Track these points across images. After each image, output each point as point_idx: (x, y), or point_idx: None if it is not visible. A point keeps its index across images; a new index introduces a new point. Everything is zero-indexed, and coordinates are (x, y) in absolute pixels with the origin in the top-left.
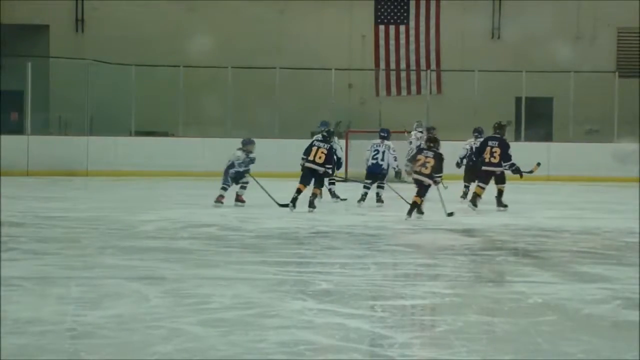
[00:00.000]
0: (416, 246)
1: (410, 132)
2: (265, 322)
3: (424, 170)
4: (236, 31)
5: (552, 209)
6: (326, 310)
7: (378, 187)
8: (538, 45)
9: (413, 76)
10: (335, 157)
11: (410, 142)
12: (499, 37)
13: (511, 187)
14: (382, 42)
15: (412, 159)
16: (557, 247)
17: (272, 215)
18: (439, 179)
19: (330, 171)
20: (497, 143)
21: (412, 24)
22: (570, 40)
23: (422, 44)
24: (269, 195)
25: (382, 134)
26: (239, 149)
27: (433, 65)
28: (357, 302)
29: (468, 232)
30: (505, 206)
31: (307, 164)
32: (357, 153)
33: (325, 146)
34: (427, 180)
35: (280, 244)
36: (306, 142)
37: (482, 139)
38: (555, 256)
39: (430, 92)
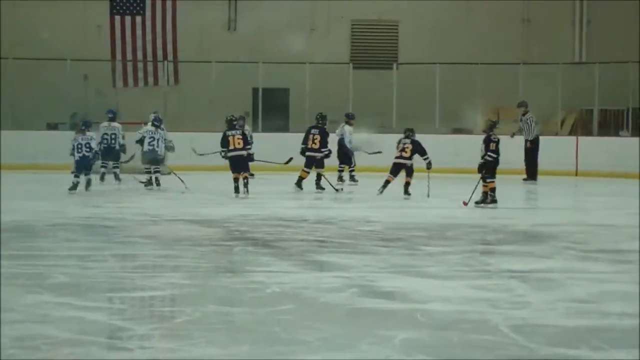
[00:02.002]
0: (155, 237)
1: (146, 123)
2: None
3: (404, 154)
4: None
5: (290, 199)
6: (63, 303)
7: (155, 172)
8: (274, 37)
9: (150, 67)
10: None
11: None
12: (235, 29)
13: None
14: (118, 32)
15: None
16: (294, 237)
17: (5, 209)
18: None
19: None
20: (317, 131)
21: (148, 14)
22: (305, 32)
23: (159, 34)
24: None
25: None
26: None
27: (170, 57)
28: (95, 295)
29: (207, 222)
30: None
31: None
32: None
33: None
34: (408, 162)
35: (15, 237)
36: (43, 134)
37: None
38: (293, 245)
39: (168, 83)
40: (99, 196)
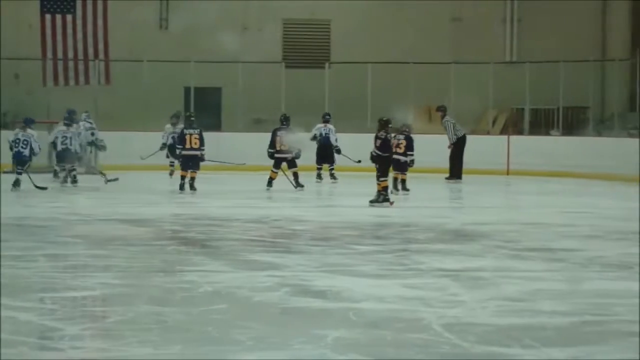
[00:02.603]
0: (87, 237)
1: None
2: None
3: (399, 150)
4: None
5: (222, 199)
6: None
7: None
8: (206, 35)
9: (81, 66)
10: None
11: (79, 134)
12: (166, 28)
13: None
14: (48, 31)
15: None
16: (227, 236)
17: None
18: (411, 156)
19: None
20: (285, 133)
21: (79, 13)
22: (238, 30)
23: (90, 33)
24: None
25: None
26: None
27: (101, 55)
28: (26, 295)
29: (139, 222)
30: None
31: None
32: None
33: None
34: (402, 158)
35: None
36: None
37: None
38: (225, 245)
39: (99, 83)
40: (32, 196)
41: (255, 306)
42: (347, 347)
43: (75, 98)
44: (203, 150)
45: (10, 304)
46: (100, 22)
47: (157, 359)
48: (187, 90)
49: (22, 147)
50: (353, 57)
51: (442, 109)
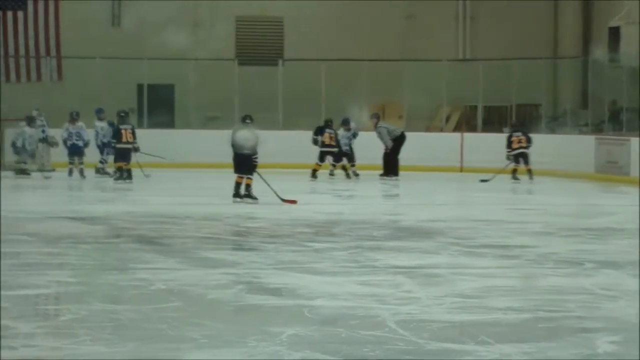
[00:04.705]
0: (38, 235)
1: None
2: None
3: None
4: None
5: (175, 196)
6: None
7: None
8: (158, 32)
9: (33, 63)
10: None
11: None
12: (119, 25)
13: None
14: (0, 27)
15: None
16: (179, 234)
17: None
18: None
19: None
20: (332, 131)
21: (30, 9)
22: (189, 27)
23: (42, 30)
24: None
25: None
26: None
27: (53, 52)
28: None
29: (91, 220)
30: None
31: None
32: None
33: None
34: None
35: None
36: None
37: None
38: (178, 242)
39: (51, 79)
40: None
41: (209, 304)
42: (302, 344)
43: (27, 95)
44: (136, 143)
45: None
46: (52, 18)
47: (111, 358)
48: (139, 87)
49: (75, 139)
50: (306, 54)
51: (375, 116)
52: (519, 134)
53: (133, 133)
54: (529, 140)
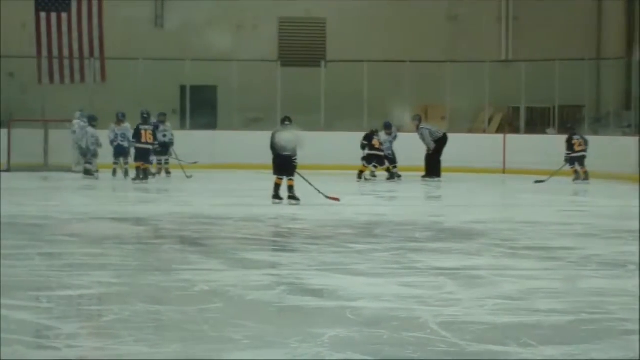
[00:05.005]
0: (82, 236)
1: (72, 120)
2: None
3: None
4: None
5: (217, 197)
6: None
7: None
8: (201, 33)
9: (77, 64)
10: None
11: (74, 132)
12: (162, 26)
13: (179, 175)
14: (44, 29)
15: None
16: (222, 235)
17: None
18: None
19: None
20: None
21: (74, 11)
22: (233, 29)
23: (85, 31)
24: None
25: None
26: None
27: (97, 53)
28: (21, 294)
29: (134, 221)
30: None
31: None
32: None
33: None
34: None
35: None
36: None
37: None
38: (220, 243)
39: (95, 81)
40: (24, 195)
41: (251, 305)
42: (344, 345)
43: (71, 96)
44: (156, 144)
45: (6, 302)
46: (95, 19)
47: (152, 358)
48: (182, 88)
49: (120, 140)
50: (349, 55)
51: (417, 118)
52: (579, 137)
53: (153, 134)
54: (586, 143)
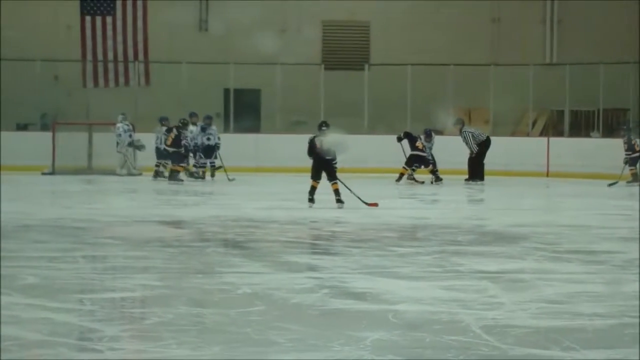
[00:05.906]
0: (125, 238)
1: (115, 124)
2: None
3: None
4: None
5: (260, 200)
6: (33, 304)
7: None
8: (244, 37)
9: (121, 67)
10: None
11: (120, 135)
12: (206, 30)
13: (222, 178)
14: (88, 32)
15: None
16: (265, 238)
17: None
18: None
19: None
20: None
21: (119, 14)
22: (276, 32)
23: (130, 35)
24: None
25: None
26: None
27: (141, 57)
28: (65, 296)
29: (177, 223)
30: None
31: None
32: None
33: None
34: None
35: None
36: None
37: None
38: (264, 246)
39: (139, 84)
40: (68, 197)
41: (294, 308)
42: (386, 348)
43: (115, 99)
44: (181, 149)
45: (49, 304)
46: (140, 23)
47: None
48: (226, 91)
49: (158, 143)
50: (392, 58)
51: (459, 122)
52: (635, 138)
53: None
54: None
